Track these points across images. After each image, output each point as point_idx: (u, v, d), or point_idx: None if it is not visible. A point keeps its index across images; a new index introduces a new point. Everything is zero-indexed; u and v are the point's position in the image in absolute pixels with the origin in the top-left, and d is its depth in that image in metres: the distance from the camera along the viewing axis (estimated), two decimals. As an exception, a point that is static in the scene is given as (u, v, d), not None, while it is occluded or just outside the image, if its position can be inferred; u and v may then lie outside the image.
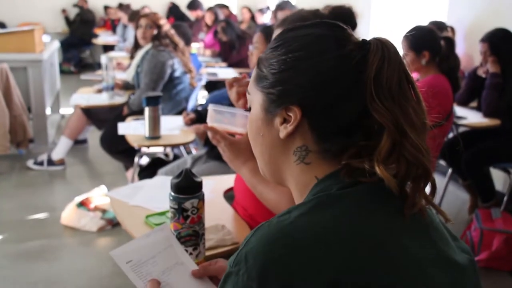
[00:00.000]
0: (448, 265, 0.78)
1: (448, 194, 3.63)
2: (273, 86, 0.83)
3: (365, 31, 5.56)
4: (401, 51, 0.82)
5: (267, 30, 2.57)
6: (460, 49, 3.93)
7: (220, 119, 1.58)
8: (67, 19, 10.05)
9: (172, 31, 3.89)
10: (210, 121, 1.57)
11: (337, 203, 0.75)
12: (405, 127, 0.76)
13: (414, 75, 2.77)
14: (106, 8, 10.06)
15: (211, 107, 1.58)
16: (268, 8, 7.91)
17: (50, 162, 4.27)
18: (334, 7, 1.97)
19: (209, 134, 1.55)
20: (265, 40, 2.61)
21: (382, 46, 0.79)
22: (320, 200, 0.76)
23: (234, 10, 9.58)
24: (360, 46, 0.81)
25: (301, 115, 0.81)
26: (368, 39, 0.83)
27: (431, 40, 2.85)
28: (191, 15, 8.69)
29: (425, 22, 4.09)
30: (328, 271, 0.69)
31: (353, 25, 2.35)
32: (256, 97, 0.87)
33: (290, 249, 0.70)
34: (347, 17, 1.98)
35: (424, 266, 0.74)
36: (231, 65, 5.95)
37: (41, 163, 4.27)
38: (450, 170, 3.53)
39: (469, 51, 4.21)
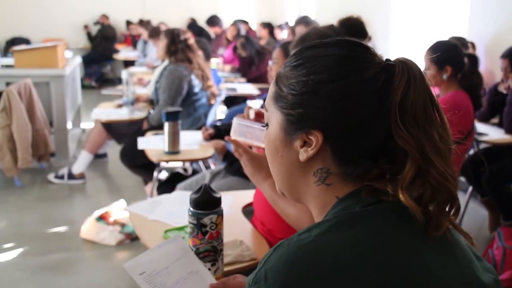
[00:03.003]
0: (473, 285, 0.76)
1: (469, 211, 3.58)
2: (293, 107, 0.81)
3: (384, 47, 5.55)
4: (422, 67, 0.80)
5: (286, 46, 2.58)
6: (480, 65, 3.89)
7: (244, 133, 1.56)
8: (89, 35, 10.23)
9: (195, 46, 3.91)
10: (234, 134, 1.56)
11: (360, 222, 0.74)
12: (430, 154, 0.74)
13: (435, 90, 2.75)
14: (128, 23, 10.18)
15: (235, 121, 1.57)
16: (286, 23, 7.95)
17: (71, 176, 4.32)
18: (343, 20, 1.96)
19: (232, 147, 1.55)
20: (285, 56, 2.62)
21: (407, 69, 0.77)
22: (342, 219, 0.75)
23: (254, 26, 9.65)
24: (384, 68, 0.79)
25: (323, 140, 0.78)
26: (391, 59, 0.81)
27: (455, 56, 2.81)
28: (210, 31, 8.78)
29: (445, 38, 4.08)
30: None
31: (364, 35, 2.34)
32: (274, 116, 0.85)
33: (310, 269, 0.69)
34: (358, 28, 1.97)
35: (449, 287, 0.73)
36: (250, 80, 5.98)
37: (61, 177, 4.32)
38: (470, 188, 3.48)
39: (490, 66, 4.17)
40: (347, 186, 0.80)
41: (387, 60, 0.81)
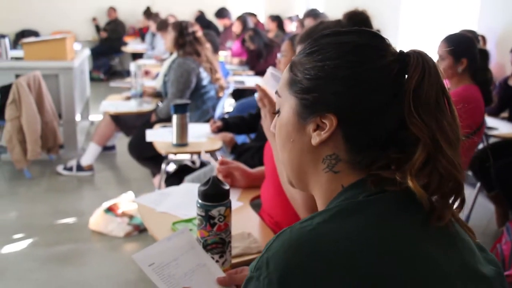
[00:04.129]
0: (474, 277, 0.77)
1: (477, 205, 3.56)
2: (308, 92, 0.82)
3: (393, 40, 5.51)
4: (435, 58, 0.81)
5: (295, 38, 2.57)
6: (491, 59, 3.87)
7: (275, 86, 1.52)
8: (97, 27, 10.24)
9: (203, 39, 3.91)
10: (264, 83, 1.53)
11: (363, 211, 0.74)
12: (441, 141, 0.75)
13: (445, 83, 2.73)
14: (147, 10, 9.74)
15: (269, 70, 1.54)
16: (297, 16, 7.92)
17: (79, 168, 4.34)
18: (348, 13, 1.94)
19: (258, 95, 1.53)
20: (293, 49, 2.61)
21: (422, 60, 0.79)
22: (344, 208, 0.75)
23: (262, 18, 9.62)
24: (399, 57, 0.80)
25: (336, 124, 0.80)
26: (405, 50, 0.82)
27: (471, 49, 2.78)
28: (219, 23, 8.76)
29: (455, 31, 4.04)
30: (350, 278, 0.68)
31: (370, 28, 2.32)
32: (287, 101, 0.86)
33: (311, 256, 0.70)
34: (364, 22, 1.96)
35: (450, 278, 0.73)
36: (258, 73, 5.96)
37: (70, 169, 4.35)
38: (479, 183, 3.46)
39: (500, 60, 4.14)
40: (354, 175, 0.81)
41: (401, 51, 0.82)
